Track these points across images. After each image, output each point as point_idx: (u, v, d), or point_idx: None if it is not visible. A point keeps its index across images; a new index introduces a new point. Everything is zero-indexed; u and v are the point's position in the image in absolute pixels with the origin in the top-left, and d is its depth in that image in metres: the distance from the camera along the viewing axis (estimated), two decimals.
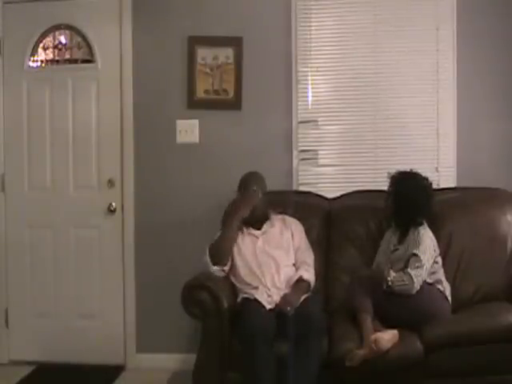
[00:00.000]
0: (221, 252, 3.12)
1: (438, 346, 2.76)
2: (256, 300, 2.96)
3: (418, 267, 2.91)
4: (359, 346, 2.74)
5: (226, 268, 3.15)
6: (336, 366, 2.75)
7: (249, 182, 3.25)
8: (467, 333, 2.78)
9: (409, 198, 3.08)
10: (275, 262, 3.14)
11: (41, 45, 3.89)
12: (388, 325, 2.83)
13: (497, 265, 3.23)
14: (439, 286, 3.01)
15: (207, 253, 3.13)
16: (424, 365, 2.75)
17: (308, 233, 3.33)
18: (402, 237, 3.12)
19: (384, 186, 3.24)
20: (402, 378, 2.77)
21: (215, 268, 3.11)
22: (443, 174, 3.64)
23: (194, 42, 3.75)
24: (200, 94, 3.77)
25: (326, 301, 3.24)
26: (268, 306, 2.94)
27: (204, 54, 3.75)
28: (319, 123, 3.74)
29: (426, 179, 3.16)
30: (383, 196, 3.23)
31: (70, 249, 3.89)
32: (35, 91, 3.90)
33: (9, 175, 3.93)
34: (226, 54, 3.74)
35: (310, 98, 3.74)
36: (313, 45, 3.73)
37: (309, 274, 3.13)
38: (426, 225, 3.09)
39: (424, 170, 3.61)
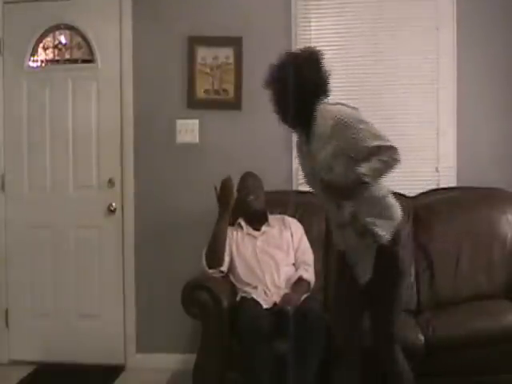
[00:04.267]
0: (214, 253, 3.12)
1: (438, 346, 2.76)
2: (253, 299, 2.96)
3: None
4: None
5: (224, 269, 3.15)
6: (336, 365, 2.75)
7: (244, 182, 3.30)
8: (467, 333, 2.79)
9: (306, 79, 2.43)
10: (275, 261, 3.14)
11: (41, 45, 3.89)
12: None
13: (497, 265, 3.24)
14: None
15: (203, 257, 3.14)
16: (424, 365, 2.75)
17: (308, 232, 3.33)
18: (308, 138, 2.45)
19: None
20: None
21: (211, 271, 3.12)
22: (443, 174, 3.64)
23: (194, 42, 3.75)
24: (200, 93, 3.77)
25: (325, 300, 3.24)
26: (265, 306, 2.94)
27: (204, 54, 3.75)
28: None
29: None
30: None
31: (70, 249, 3.88)
32: (35, 91, 3.89)
33: (9, 175, 3.92)
34: (225, 54, 3.74)
35: None
36: (313, 45, 3.71)
37: (308, 274, 3.14)
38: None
39: (424, 170, 3.64)
